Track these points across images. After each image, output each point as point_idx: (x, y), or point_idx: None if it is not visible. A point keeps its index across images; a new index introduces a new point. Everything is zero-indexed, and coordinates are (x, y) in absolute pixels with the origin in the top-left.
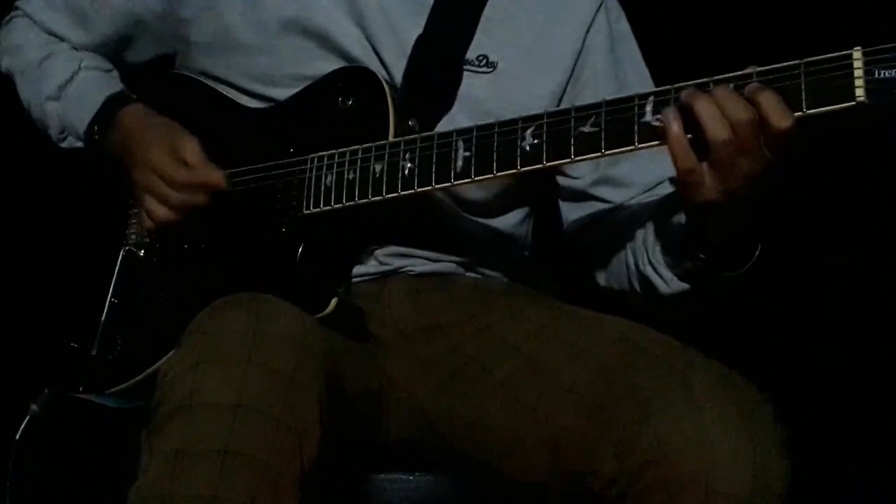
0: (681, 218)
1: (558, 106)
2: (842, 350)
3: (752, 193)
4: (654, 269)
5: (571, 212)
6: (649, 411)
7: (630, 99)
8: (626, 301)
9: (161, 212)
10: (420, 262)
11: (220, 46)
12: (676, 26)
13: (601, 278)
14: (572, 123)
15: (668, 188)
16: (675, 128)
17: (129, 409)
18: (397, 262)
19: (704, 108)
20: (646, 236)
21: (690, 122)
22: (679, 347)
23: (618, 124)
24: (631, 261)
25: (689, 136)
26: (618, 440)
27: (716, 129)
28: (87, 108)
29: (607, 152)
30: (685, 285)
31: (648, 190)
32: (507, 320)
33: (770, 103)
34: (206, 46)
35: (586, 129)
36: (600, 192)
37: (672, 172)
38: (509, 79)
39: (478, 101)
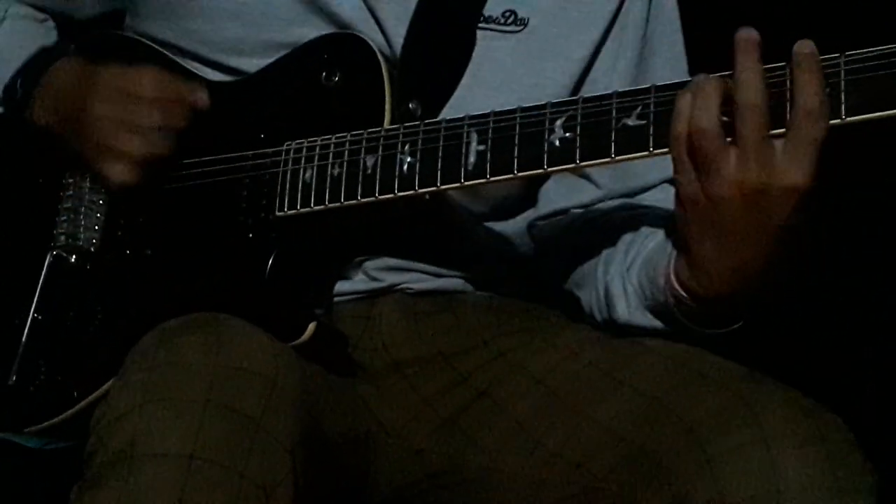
0: (669, 247)
1: (589, 69)
2: (839, 353)
3: (745, 210)
4: (623, 287)
5: (553, 189)
6: (708, 454)
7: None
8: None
9: (135, 142)
10: (418, 277)
11: (176, 6)
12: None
13: (565, 279)
14: (614, 114)
15: (669, 192)
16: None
17: (55, 452)
18: (390, 278)
19: (704, 95)
20: (628, 250)
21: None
22: (743, 372)
23: (670, 117)
24: (601, 270)
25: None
26: (669, 491)
27: (704, 120)
28: (10, 60)
29: (656, 152)
30: (650, 320)
31: (648, 188)
32: (526, 347)
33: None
34: (160, 5)
35: (631, 121)
36: (597, 172)
37: None
38: (542, 39)
39: (502, 69)
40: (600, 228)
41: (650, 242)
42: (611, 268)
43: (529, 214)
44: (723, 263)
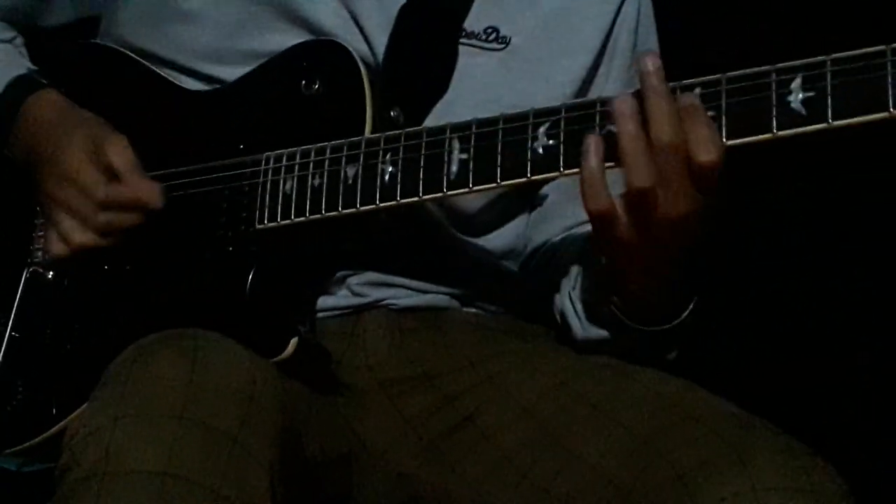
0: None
1: (585, 94)
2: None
3: (676, 238)
4: (573, 307)
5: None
6: (697, 489)
7: (671, 91)
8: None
9: (79, 236)
10: (404, 293)
11: (154, 13)
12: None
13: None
14: (597, 121)
15: None
16: (593, 161)
17: (33, 474)
18: (375, 294)
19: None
20: (572, 272)
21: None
22: (737, 415)
23: None
24: (558, 295)
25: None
26: None
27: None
28: None
29: None
30: (601, 332)
31: None
32: (516, 371)
33: (699, 133)
34: (136, 13)
35: (615, 128)
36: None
37: None
38: (525, 59)
39: (482, 86)
40: (558, 255)
41: (586, 264)
42: (562, 291)
43: (515, 229)
44: (644, 273)
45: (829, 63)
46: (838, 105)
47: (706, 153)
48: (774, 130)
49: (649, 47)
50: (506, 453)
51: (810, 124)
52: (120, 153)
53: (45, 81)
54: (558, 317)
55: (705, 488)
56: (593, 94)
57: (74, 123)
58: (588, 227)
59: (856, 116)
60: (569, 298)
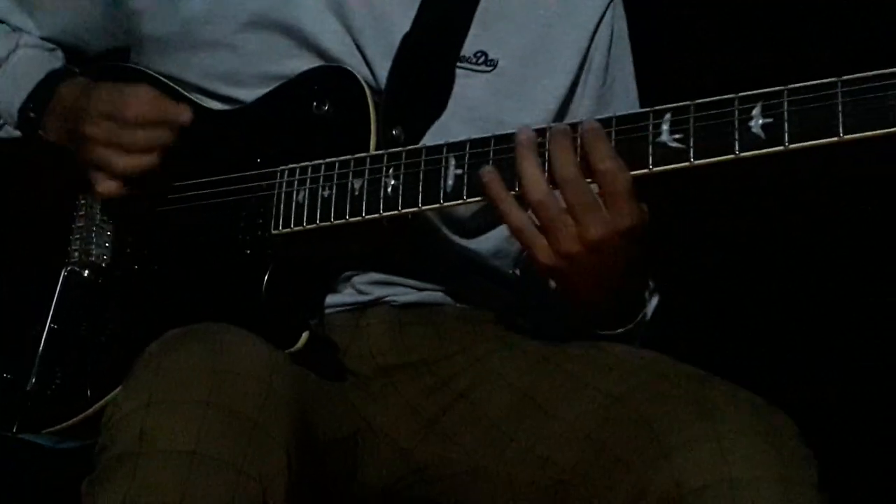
0: None
1: (565, 111)
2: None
3: (596, 252)
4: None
5: None
6: (665, 447)
7: (644, 116)
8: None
9: (121, 161)
10: (403, 290)
11: (177, 42)
12: (683, 43)
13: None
14: (579, 142)
15: None
16: (496, 187)
17: (69, 451)
18: (378, 291)
19: (525, 169)
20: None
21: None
22: (700, 375)
23: (630, 144)
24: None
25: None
26: (629, 482)
27: (533, 189)
28: (23, 87)
29: None
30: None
31: None
32: (501, 352)
33: (597, 151)
34: (161, 42)
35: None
36: None
37: None
38: (511, 79)
39: (474, 105)
40: None
41: None
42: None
43: (503, 232)
44: (586, 295)
45: (786, 92)
46: (794, 130)
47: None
48: (737, 152)
49: (623, 67)
50: (494, 422)
51: (769, 147)
52: (144, 89)
53: (77, 70)
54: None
55: (672, 434)
56: (572, 111)
57: (101, 84)
58: None
59: (809, 140)
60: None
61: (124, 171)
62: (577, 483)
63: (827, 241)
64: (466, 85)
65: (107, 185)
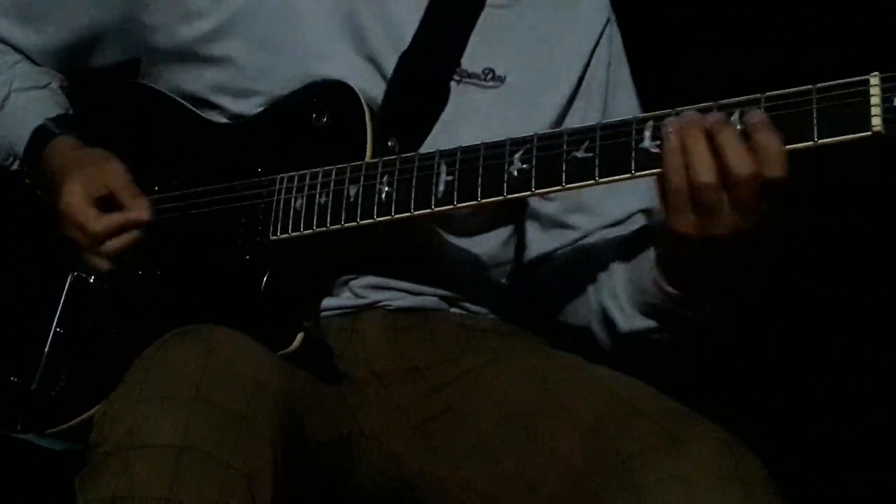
0: (651, 253)
1: (563, 120)
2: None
3: (737, 240)
4: (617, 302)
5: (538, 238)
6: (638, 486)
7: (627, 123)
8: (580, 340)
9: (101, 264)
10: (399, 295)
11: (188, 57)
12: (681, 48)
13: (560, 312)
14: (565, 147)
15: (640, 221)
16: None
17: (72, 452)
18: (373, 296)
19: (698, 153)
20: (612, 269)
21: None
22: (678, 410)
23: (614, 150)
24: (593, 296)
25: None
26: None
27: (705, 175)
28: (19, 138)
29: (601, 180)
30: (649, 322)
31: (620, 221)
32: (492, 365)
33: (770, 152)
34: (172, 56)
35: (580, 154)
36: (572, 218)
37: (646, 204)
38: (518, 94)
39: (483, 119)
40: (585, 262)
41: (629, 260)
42: (601, 290)
43: (498, 241)
44: (704, 261)
45: (763, 99)
46: None
47: (774, 169)
48: None
49: (622, 80)
50: (481, 438)
51: None
52: (111, 180)
53: (57, 131)
54: (596, 315)
55: (644, 472)
56: (569, 122)
57: (74, 164)
58: (619, 230)
59: (784, 145)
60: (613, 297)
61: (104, 272)
62: None
63: (818, 244)
64: (474, 100)
65: (100, 272)
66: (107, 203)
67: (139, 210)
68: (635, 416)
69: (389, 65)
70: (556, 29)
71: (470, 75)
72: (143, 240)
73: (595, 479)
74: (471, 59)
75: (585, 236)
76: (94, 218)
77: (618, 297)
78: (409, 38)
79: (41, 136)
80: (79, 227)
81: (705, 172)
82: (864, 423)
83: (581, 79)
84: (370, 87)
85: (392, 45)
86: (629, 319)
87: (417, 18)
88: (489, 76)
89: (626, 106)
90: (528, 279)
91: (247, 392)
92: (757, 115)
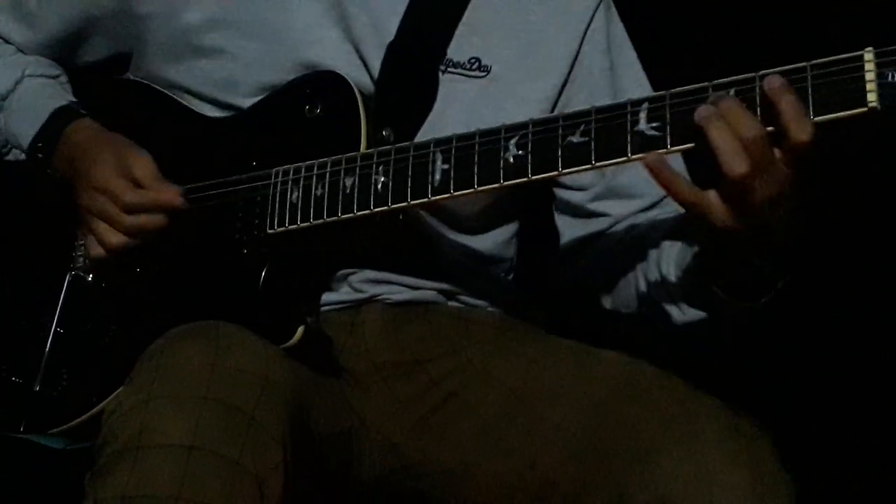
0: (693, 246)
1: (553, 112)
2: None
3: (772, 217)
4: (669, 293)
5: (571, 227)
6: (648, 454)
7: (622, 106)
8: (634, 328)
9: (112, 238)
10: (398, 289)
11: (179, 49)
12: (674, 26)
13: (606, 301)
14: (560, 132)
15: (673, 204)
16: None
17: (74, 451)
18: (373, 290)
19: (721, 139)
20: (659, 257)
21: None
22: (683, 385)
23: (610, 133)
24: (642, 283)
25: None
26: (612, 486)
27: (733, 162)
28: (31, 122)
29: (598, 164)
30: (700, 313)
31: (656, 203)
32: (493, 355)
33: (791, 113)
34: (164, 48)
35: (575, 138)
36: (604, 205)
37: None
38: (503, 84)
39: (469, 109)
40: (622, 251)
41: (674, 247)
42: (650, 284)
43: (498, 235)
44: (740, 238)
45: (757, 77)
46: (765, 112)
47: (799, 133)
48: None
49: (628, 63)
50: (484, 422)
51: None
52: (143, 165)
53: (83, 112)
54: (645, 305)
55: (658, 449)
56: (561, 107)
57: (105, 143)
58: (653, 213)
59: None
60: (661, 286)
61: (111, 248)
62: (562, 484)
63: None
64: (459, 90)
65: (97, 252)
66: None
67: (173, 197)
68: (641, 391)
69: (373, 54)
70: (545, 17)
71: (455, 65)
72: (166, 227)
73: (601, 450)
74: (457, 49)
75: (618, 222)
76: (128, 188)
77: (669, 288)
78: (393, 28)
79: (64, 113)
80: (109, 195)
81: (736, 161)
82: (864, 421)
83: (571, 67)
84: (358, 75)
85: (377, 35)
86: (684, 311)
87: (402, 9)
88: (475, 66)
89: (632, 83)
90: (568, 271)
91: (255, 390)
92: (776, 80)
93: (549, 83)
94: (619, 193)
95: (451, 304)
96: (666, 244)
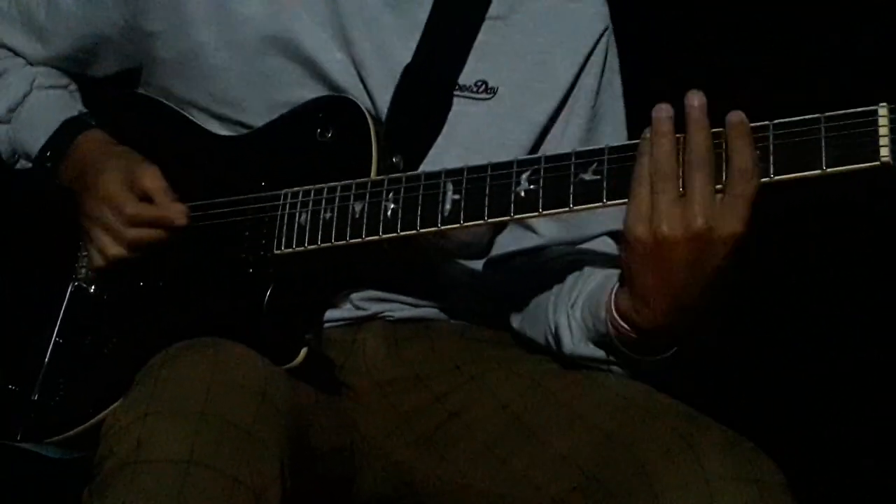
0: (611, 282)
1: (547, 133)
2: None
3: (695, 289)
4: (568, 321)
5: (503, 237)
6: (655, 488)
7: (635, 146)
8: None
9: (113, 249)
10: (399, 307)
11: (188, 66)
12: (690, 76)
13: (516, 320)
14: (572, 170)
15: (608, 245)
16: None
17: (71, 461)
18: (374, 307)
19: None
20: (574, 286)
21: None
22: (687, 412)
23: (622, 173)
24: (551, 309)
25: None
26: None
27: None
28: (40, 132)
29: (609, 203)
30: (596, 350)
31: (587, 239)
32: (497, 373)
33: (743, 149)
34: (173, 65)
35: (587, 176)
36: (541, 225)
37: (618, 227)
38: (510, 105)
39: (475, 131)
40: (547, 273)
41: (592, 281)
42: (558, 306)
43: (498, 255)
44: (663, 299)
45: (771, 126)
46: (778, 162)
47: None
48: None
49: (614, 89)
50: (487, 444)
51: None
52: (152, 178)
53: (92, 122)
54: (549, 329)
55: (662, 475)
56: (556, 130)
57: (112, 155)
58: (586, 247)
59: (792, 173)
60: (566, 314)
61: (111, 259)
62: None
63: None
64: (466, 112)
65: (98, 261)
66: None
67: (177, 214)
68: (649, 419)
69: (378, 79)
70: (553, 40)
71: (462, 88)
72: (165, 242)
73: (609, 481)
74: (465, 73)
75: (548, 246)
76: (133, 201)
77: (570, 318)
78: (398, 55)
79: (74, 125)
80: (114, 205)
81: (666, 161)
82: (864, 422)
83: (571, 88)
84: (362, 99)
85: (381, 60)
86: (575, 343)
87: (409, 35)
88: (481, 88)
89: (611, 118)
90: (489, 280)
91: (253, 406)
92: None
93: (549, 105)
94: (554, 217)
95: (453, 321)
96: (586, 276)
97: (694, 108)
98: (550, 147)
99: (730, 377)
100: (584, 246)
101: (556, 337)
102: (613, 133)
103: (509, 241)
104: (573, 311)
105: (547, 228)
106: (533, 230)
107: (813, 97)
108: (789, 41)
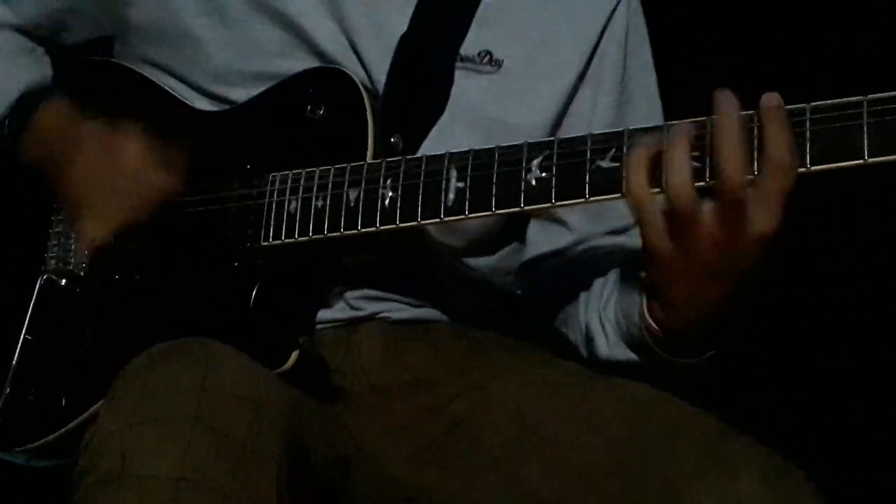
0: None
1: (567, 109)
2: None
3: (725, 287)
4: (601, 323)
5: (535, 237)
6: (684, 498)
7: (657, 129)
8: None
9: (115, 204)
10: (398, 307)
11: (166, 34)
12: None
13: (550, 319)
14: (588, 156)
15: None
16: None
17: (44, 469)
18: (371, 307)
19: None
20: (605, 284)
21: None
22: (716, 426)
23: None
24: (581, 310)
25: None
26: None
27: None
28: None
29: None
30: (630, 354)
31: (619, 231)
32: (502, 380)
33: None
34: (149, 32)
35: (605, 163)
36: (571, 217)
37: None
38: (515, 80)
39: (476, 107)
40: (579, 271)
41: (624, 281)
42: (589, 307)
43: (504, 251)
44: (692, 304)
45: (808, 110)
46: (814, 150)
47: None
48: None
49: (643, 59)
50: (494, 457)
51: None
52: (134, 148)
53: (54, 90)
54: (580, 330)
55: (692, 496)
56: (576, 108)
57: (87, 131)
58: (618, 240)
59: (832, 163)
60: (598, 316)
61: (105, 238)
62: None
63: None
64: (468, 86)
65: (93, 227)
66: None
67: (170, 181)
68: (674, 433)
69: (371, 50)
70: (558, 15)
71: (464, 59)
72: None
73: (628, 493)
74: (467, 42)
75: (581, 241)
76: (122, 175)
77: (602, 320)
78: (392, 25)
79: (37, 94)
80: (99, 183)
81: (678, 178)
82: (864, 422)
83: (588, 63)
84: (355, 71)
85: (375, 31)
86: (610, 347)
87: (405, 4)
88: (486, 59)
89: (643, 93)
90: (523, 283)
91: (247, 415)
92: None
93: (562, 81)
94: (584, 209)
95: (457, 323)
96: (617, 273)
97: (726, 102)
98: (576, 130)
99: (742, 376)
100: (616, 239)
101: (589, 340)
102: (644, 111)
103: (542, 240)
104: (605, 313)
105: (577, 221)
106: (562, 223)
107: (813, 97)
108: (789, 41)
